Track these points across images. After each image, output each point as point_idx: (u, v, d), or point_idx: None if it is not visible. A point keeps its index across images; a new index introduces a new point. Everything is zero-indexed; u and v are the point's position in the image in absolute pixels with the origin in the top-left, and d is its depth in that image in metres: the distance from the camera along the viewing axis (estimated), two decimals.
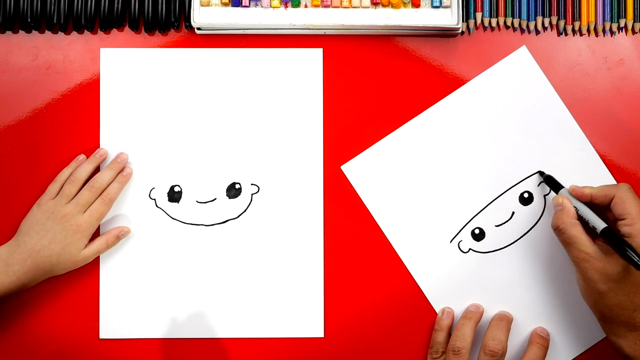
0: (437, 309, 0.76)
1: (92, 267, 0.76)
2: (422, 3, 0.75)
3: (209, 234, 0.76)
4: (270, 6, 0.75)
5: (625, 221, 0.66)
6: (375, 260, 0.76)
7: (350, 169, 0.76)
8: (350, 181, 0.76)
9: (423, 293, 0.76)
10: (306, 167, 0.76)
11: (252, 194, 0.76)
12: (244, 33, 0.76)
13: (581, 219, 0.69)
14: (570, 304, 0.75)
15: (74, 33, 0.77)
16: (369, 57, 0.77)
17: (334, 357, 0.76)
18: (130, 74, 0.77)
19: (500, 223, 0.76)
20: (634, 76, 0.77)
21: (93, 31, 0.77)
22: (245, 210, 0.76)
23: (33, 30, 0.77)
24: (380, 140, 0.76)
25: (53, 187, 0.74)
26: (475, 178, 0.76)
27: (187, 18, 0.75)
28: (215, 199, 0.76)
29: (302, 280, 0.76)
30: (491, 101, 0.76)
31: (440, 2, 0.74)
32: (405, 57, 0.77)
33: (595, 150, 0.76)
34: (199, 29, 0.76)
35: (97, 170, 0.75)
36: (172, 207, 0.76)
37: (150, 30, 0.77)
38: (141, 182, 0.76)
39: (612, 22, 0.76)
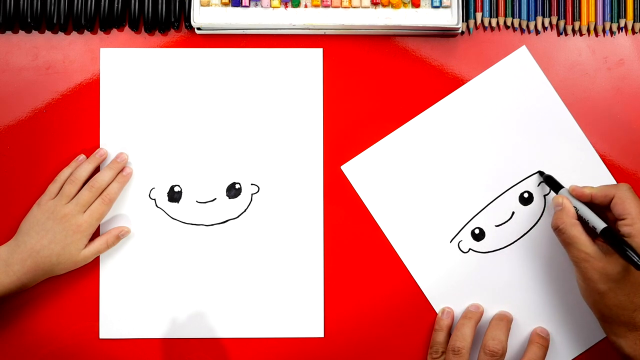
0: (437, 309, 0.76)
1: (92, 267, 0.76)
2: (422, 3, 0.75)
3: (209, 234, 0.76)
4: (270, 6, 0.75)
5: (625, 221, 0.66)
6: (375, 260, 0.76)
7: (350, 169, 0.76)
8: (350, 181, 0.76)
9: (423, 293, 0.76)
10: (306, 167, 0.76)
11: (252, 194, 0.76)
12: (244, 33, 0.76)
13: (581, 219, 0.69)
14: (570, 304, 0.75)
15: (74, 33, 0.77)
16: (369, 57, 0.77)
17: (334, 357, 0.76)
18: (130, 74, 0.77)
19: (500, 223, 0.76)
20: (634, 76, 0.77)
21: (93, 31, 0.77)
22: (245, 210, 0.76)
23: (33, 30, 0.77)
24: (380, 140, 0.76)
25: (53, 187, 0.74)
26: (475, 178, 0.76)
27: (187, 18, 0.75)
28: (215, 199, 0.76)
29: (302, 280, 0.76)
30: (491, 101, 0.76)
31: (440, 2, 0.74)
32: (405, 57, 0.77)
33: (595, 150, 0.76)
34: (199, 29, 0.76)
35: (97, 170, 0.75)
36: (172, 207, 0.76)
37: (150, 30, 0.77)
38: (141, 182, 0.76)
39: (612, 22, 0.76)
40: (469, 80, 0.77)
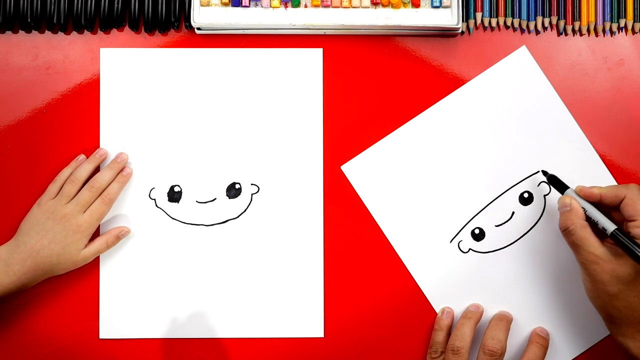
0: (437, 309, 0.76)
1: (92, 267, 0.76)
2: (422, 3, 0.75)
3: (209, 234, 0.76)
4: (270, 6, 0.75)
5: (636, 222, 0.65)
6: (375, 260, 0.76)
7: (350, 169, 0.76)
8: (350, 181, 0.76)
9: (423, 293, 0.76)
10: (306, 167, 0.76)
11: (252, 194, 0.76)
12: (244, 33, 0.76)
13: (589, 220, 0.68)
14: (570, 304, 0.75)
15: (74, 33, 0.77)
16: (369, 57, 0.77)
17: (334, 357, 0.76)
18: (130, 74, 0.77)
19: (500, 223, 0.76)
20: (634, 76, 0.77)
21: (93, 31, 0.77)
22: (245, 210, 0.76)
23: (33, 30, 0.77)
24: (380, 140, 0.76)
25: (53, 187, 0.74)
26: (475, 178, 0.76)
27: (187, 18, 0.75)
28: (215, 199, 0.76)
29: (302, 280, 0.76)
30: (491, 101, 0.76)
31: (440, 2, 0.74)
32: (405, 57, 0.77)
33: (595, 150, 0.76)
34: (199, 29, 0.76)
35: (97, 170, 0.75)
36: (172, 207, 0.76)
37: (150, 30, 0.77)
38: (141, 182, 0.76)
39: (612, 22, 0.76)
40: (469, 80, 0.77)
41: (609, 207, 0.69)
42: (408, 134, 0.76)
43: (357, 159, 0.77)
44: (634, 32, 0.77)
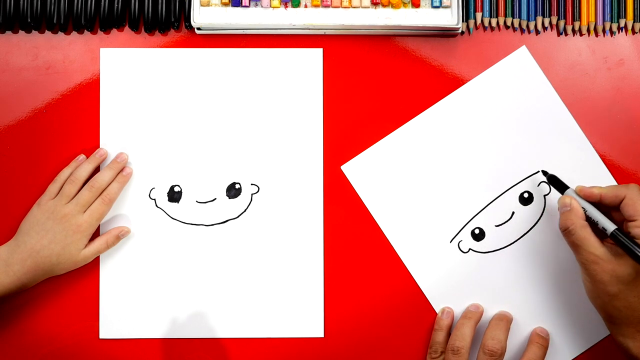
0: (437, 309, 0.76)
1: (92, 267, 0.76)
2: (422, 3, 0.75)
3: (209, 234, 0.76)
4: (270, 6, 0.75)
5: (636, 222, 0.65)
6: (375, 260, 0.76)
7: (350, 169, 0.76)
8: (350, 181, 0.76)
9: (423, 293, 0.76)
10: (306, 167, 0.76)
11: (252, 194, 0.76)
12: (244, 33, 0.76)
13: (589, 220, 0.68)
14: (570, 304, 0.75)
15: (74, 33, 0.77)
16: (369, 57, 0.77)
17: (334, 357, 0.76)
18: (130, 74, 0.77)
19: (500, 223, 0.76)
20: (634, 76, 0.77)
21: (93, 31, 0.77)
22: (245, 210, 0.76)
23: (33, 30, 0.77)
24: (380, 140, 0.76)
25: (53, 187, 0.74)
26: (475, 178, 0.76)
27: (187, 18, 0.75)
28: (215, 199, 0.76)
29: (302, 280, 0.76)
30: (491, 101, 0.76)
31: (440, 2, 0.74)
32: (405, 57, 0.77)
33: (595, 150, 0.76)
34: (199, 29, 0.76)
35: (97, 170, 0.75)
36: (172, 207, 0.76)
37: (150, 30, 0.77)
38: (141, 182, 0.76)
39: (612, 22, 0.76)
40: (469, 80, 0.77)
41: (609, 207, 0.69)
42: (408, 134, 0.77)
43: (357, 159, 0.77)
44: (634, 32, 0.77)
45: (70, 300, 0.76)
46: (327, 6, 0.75)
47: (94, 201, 0.73)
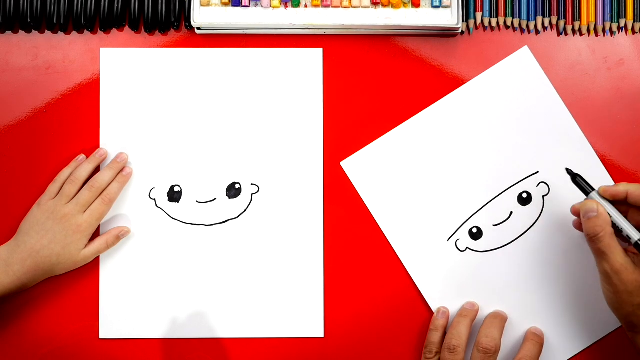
0: (434, 306, 0.76)
1: (92, 267, 0.76)
2: (422, 3, 0.75)
3: (209, 234, 0.76)
4: (270, 6, 0.75)
5: None
6: (375, 260, 0.76)
7: (350, 165, 0.76)
8: (350, 178, 0.76)
9: (421, 293, 0.76)
10: (306, 168, 0.76)
11: (252, 194, 0.76)
12: (244, 33, 0.76)
13: (613, 227, 0.65)
14: (566, 305, 0.75)
15: (74, 33, 0.77)
16: (369, 57, 0.77)
17: (334, 357, 0.76)
18: (130, 74, 0.77)
19: (498, 223, 0.76)
20: (634, 76, 0.77)
21: (93, 31, 0.77)
22: (245, 210, 0.76)
23: (33, 30, 0.77)
24: (380, 137, 0.76)
25: (53, 187, 0.74)
26: (474, 177, 0.76)
27: (187, 18, 0.75)
28: (215, 199, 0.76)
29: (302, 280, 0.76)
30: (491, 100, 0.76)
31: (440, 2, 0.74)
32: (405, 57, 0.77)
33: (595, 150, 0.76)
34: (199, 29, 0.76)
35: (97, 170, 0.75)
36: (172, 207, 0.76)
37: (150, 30, 0.77)
38: (141, 182, 0.76)
39: (612, 22, 0.76)
40: (469, 80, 0.77)
41: (630, 206, 0.66)
42: (408, 132, 0.77)
43: (357, 155, 0.77)
44: (634, 32, 0.77)
45: (70, 300, 0.76)
46: (327, 6, 0.75)
47: (94, 201, 0.73)
